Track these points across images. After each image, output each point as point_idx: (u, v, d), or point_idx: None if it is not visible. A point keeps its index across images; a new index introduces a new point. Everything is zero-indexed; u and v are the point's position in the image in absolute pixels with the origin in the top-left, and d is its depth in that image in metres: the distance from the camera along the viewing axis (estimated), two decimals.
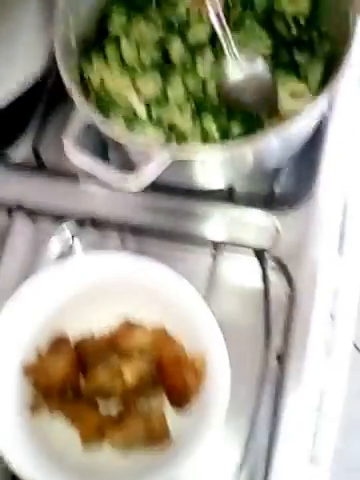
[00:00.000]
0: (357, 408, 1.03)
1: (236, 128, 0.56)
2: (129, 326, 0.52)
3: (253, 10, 0.59)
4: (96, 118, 0.53)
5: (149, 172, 0.51)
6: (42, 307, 0.52)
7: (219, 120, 0.56)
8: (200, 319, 0.50)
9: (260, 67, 0.57)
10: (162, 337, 0.51)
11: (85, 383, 0.51)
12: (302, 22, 0.59)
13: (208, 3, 0.53)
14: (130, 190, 0.53)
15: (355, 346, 1.14)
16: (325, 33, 0.58)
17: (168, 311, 0.51)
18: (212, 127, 0.56)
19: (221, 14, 0.54)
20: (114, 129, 0.53)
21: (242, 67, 0.56)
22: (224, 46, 0.55)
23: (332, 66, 0.56)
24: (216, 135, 0.56)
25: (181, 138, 0.57)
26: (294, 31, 0.59)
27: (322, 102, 0.52)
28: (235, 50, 0.55)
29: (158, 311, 0.52)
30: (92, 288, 0.52)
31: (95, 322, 0.53)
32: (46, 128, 0.65)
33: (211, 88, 0.58)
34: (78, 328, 0.53)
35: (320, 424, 0.60)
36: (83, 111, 0.53)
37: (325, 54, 0.58)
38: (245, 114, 0.56)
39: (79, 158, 0.52)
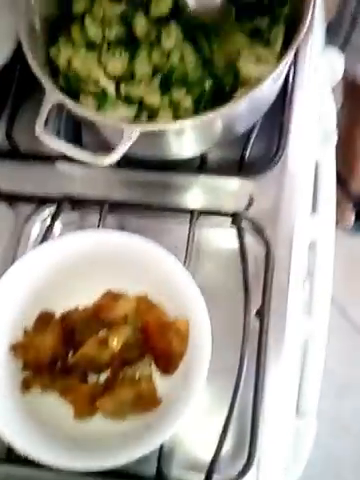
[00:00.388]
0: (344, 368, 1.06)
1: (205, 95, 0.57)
2: (112, 296, 0.54)
3: None
4: (65, 100, 0.54)
5: (119, 148, 0.52)
6: (28, 288, 0.53)
7: (190, 88, 0.57)
8: (181, 285, 0.52)
9: None
10: (145, 303, 0.53)
11: (73, 356, 0.52)
12: None
13: None
14: (103, 164, 0.54)
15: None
16: None
17: (150, 280, 0.53)
18: (181, 99, 0.57)
19: None
20: (83, 110, 0.54)
21: None
22: None
23: (294, 29, 0.57)
24: (187, 105, 0.57)
25: (151, 112, 0.58)
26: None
27: (284, 65, 0.53)
28: None
29: (140, 282, 0.53)
30: (75, 266, 0.53)
31: (80, 297, 0.54)
32: (18, 113, 0.66)
33: (177, 60, 0.59)
34: (64, 305, 0.54)
35: (304, 378, 0.63)
36: (51, 94, 0.54)
37: (286, 17, 0.59)
38: (214, 82, 0.57)
39: (51, 141, 0.53)
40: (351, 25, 0.88)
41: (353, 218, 1.17)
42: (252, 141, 0.62)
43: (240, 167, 0.62)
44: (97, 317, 0.53)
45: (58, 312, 0.55)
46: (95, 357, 0.51)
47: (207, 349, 0.48)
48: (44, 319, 0.54)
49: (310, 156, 0.64)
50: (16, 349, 0.53)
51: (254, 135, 0.62)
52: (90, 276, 0.53)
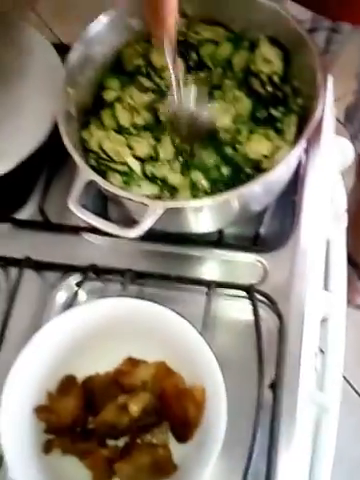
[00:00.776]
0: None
1: (222, 178, 0.62)
2: (132, 362, 0.56)
3: (232, 71, 0.67)
4: (96, 178, 0.59)
5: (145, 222, 0.57)
6: (53, 353, 0.56)
7: (207, 172, 0.62)
8: (199, 354, 0.54)
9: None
10: (163, 370, 0.55)
11: (94, 421, 0.55)
12: (276, 80, 0.66)
13: (170, 66, 0.59)
14: (129, 237, 0.58)
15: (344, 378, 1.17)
16: (298, 88, 0.65)
17: (168, 348, 0.56)
18: (200, 180, 0.62)
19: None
20: (113, 188, 0.59)
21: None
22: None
23: (306, 117, 0.63)
24: (205, 185, 0.62)
25: (173, 190, 0.63)
26: (269, 88, 0.65)
27: (297, 152, 0.58)
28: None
29: (159, 349, 0.56)
30: (97, 332, 0.56)
31: (102, 363, 0.57)
32: (50, 187, 0.72)
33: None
34: (86, 369, 0.57)
35: (316, 454, 0.64)
36: (83, 172, 0.59)
37: (299, 107, 0.64)
38: (231, 165, 0.62)
39: (83, 214, 0.58)
40: None
41: None
42: (267, 219, 0.66)
43: (255, 242, 0.66)
44: (117, 382, 0.56)
45: (80, 376, 0.57)
46: (114, 423, 0.53)
47: (223, 418, 0.50)
48: (67, 383, 0.57)
49: (322, 234, 0.68)
50: (39, 412, 0.55)
51: (269, 213, 0.66)
52: (112, 342, 0.56)
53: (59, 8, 1.75)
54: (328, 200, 0.72)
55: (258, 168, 0.62)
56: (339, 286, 0.71)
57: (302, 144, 0.59)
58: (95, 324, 0.56)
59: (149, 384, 0.54)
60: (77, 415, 0.55)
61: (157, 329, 0.56)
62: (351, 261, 0.87)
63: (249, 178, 0.61)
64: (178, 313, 0.56)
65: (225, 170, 0.62)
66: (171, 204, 0.58)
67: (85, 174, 0.60)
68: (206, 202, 0.58)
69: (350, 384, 1.13)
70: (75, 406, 0.55)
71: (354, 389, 1.14)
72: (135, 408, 0.52)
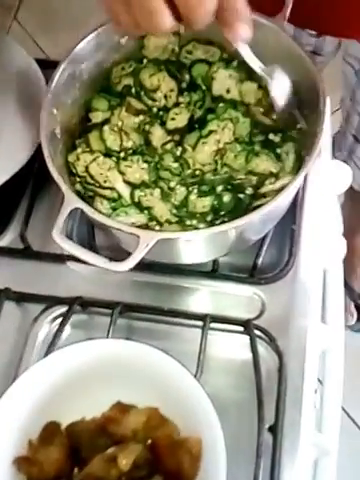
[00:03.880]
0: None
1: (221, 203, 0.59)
2: (121, 408, 0.52)
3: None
4: (82, 206, 0.55)
5: (135, 255, 0.53)
6: (34, 398, 0.51)
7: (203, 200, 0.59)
8: (194, 400, 0.50)
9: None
10: (155, 417, 0.51)
11: (79, 474, 0.50)
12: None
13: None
14: (118, 271, 0.54)
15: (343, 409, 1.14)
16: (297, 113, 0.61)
17: (161, 393, 0.51)
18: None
19: None
20: (101, 217, 0.55)
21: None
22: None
23: (306, 142, 0.60)
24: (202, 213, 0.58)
25: (164, 219, 0.59)
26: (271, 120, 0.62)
27: (299, 180, 0.55)
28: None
29: (151, 393, 0.52)
30: (83, 375, 0.52)
31: (88, 408, 0.52)
32: (32, 212, 0.67)
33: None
34: (71, 415, 0.52)
35: None
36: (69, 200, 0.55)
37: (298, 132, 0.61)
38: (234, 196, 0.59)
39: (68, 246, 0.54)
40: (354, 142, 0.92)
41: (355, 317, 1.17)
42: (264, 248, 0.63)
43: (252, 273, 0.63)
44: (105, 431, 0.51)
45: (65, 423, 0.53)
46: (102, 477, 0.48)
47: (222, 472, 0.46)
48: (50, 430, 0.52)
49: (320, 264, 0.65)
50: (20, 463, 0.50)
51: (267, 243, 0.63)
52: (99, 386, 0.52)
53: (43, 17, 1.70)
54: (326, 226, 0.69)
55: (258, 187, 0.58)
56: (337, 318, 0.68)
57: (302, 176, 0.55)
58: (81, 367, 0.52)
59: (140, 433, 0.50)
60: (61, 467, 0.50)
61: (148, 372, 0.52)
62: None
63: (249, 199, 0.58)
64: (170, 355, 0.52)
65: (226, 197, 0.58)
66: (164, 235, 0.54)
67: (71, 202, 0.55)
68: (202, 234, 0.54)
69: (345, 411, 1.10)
70: (59, 457, 0.50)
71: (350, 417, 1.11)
72: (125, 462, 0.48)
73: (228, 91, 0.62)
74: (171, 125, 0.62)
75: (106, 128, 0.62)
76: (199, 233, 0.55)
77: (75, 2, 1.64)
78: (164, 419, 0.51)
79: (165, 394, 0.51)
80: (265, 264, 0.63)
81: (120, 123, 0.62)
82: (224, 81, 0.62)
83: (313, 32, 0.79)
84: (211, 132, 0.60)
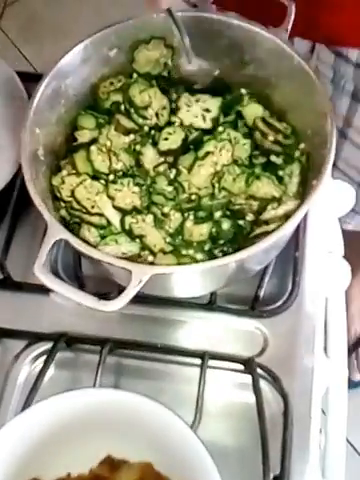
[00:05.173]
0: None
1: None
2: (112, 463, 0.47)
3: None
4: (68, 237, 0.50)
5: (127, 292, 0.48)
6: (15, 454, 0.46)
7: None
8: (191, 453, 0.45)
9: None
10: (150, 474, 0.46)
11: None
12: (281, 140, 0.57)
13: None
14: (107, 310, 0.49)
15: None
16: (302, 133, 0.57)
17: (154, 446, 0.46)
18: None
19: None
20: (89, 249, 0.50)
21: None
22: None
23: (308, 164, 0.55)
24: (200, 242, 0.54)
25: (158, 248, 0.54)
26: (271, 138, 0.57)
27: (307, 206, 0.50)
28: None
29: (143, 446, 0.47)
30: (69, 428, 0.47)
31: (73, 464, 0.47)
32: (13, 239, 0.62)
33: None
34: (55, 471, 0.47)
35: None
36: (53, 230, 0.50)
37: (301, 153, 0.57)
38: (233, 222, 0.54)
39: (51, 282, 0.48)
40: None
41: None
42: (266, 279, 0.58)
43: (253, 306, 0.58)
44: None
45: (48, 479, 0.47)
46: None
47: None
48: None
49: (323, 294, 0.60)
50: None
51: (269, 273, 0.58)
52: (86, 439, 0.47)
53: (28, 25, 1.64)
54: (329, 251, 0.65)
55: (259, 213, 0.54)
56: (340, 350, 0.63)
57: (310, 203, 0.50)
58: (65, 419, 0.47)
59: None
60: None
61: (140, 423, 0.46)
62: None
63: (250, 226, 0.53)
64: (164, 403, 0.47)
65: (225, 224, 0.54)
66: (159, 270, 0.49)
67: (54, 232, 0.50)
68: (200, 268, 0.49)
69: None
70: None
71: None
72: None
73: None
74: (164, 146, 0.57)
75: (93, 148, 0.57)
76: (197, 267, 0.50)
77: (61, 10, 1.58)
78: (159, 475, 0.46)
79: (159, 447, 0.46)
80: (267, 295, 0.59)
81: (109, 143, 0.58)
82: None
83: None
84: (208, 153, 0.56)
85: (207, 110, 0.58)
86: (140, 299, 0.57)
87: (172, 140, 0.57)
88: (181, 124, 0.58)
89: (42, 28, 1.59)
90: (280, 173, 0.56)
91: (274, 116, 0.58)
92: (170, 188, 0.56)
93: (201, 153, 0.56)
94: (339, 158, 0.83)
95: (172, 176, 0.57)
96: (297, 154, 0.56)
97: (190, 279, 0.53)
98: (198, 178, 0.56)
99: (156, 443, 0.46)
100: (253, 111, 0.57)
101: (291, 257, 0.60)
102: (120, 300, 0.47)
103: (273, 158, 0.56)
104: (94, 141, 0.58)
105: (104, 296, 0.49)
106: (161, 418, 0.46)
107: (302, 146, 0.57)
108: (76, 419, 0.47)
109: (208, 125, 0.57)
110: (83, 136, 0.58)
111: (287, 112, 0.58)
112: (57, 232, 0.50)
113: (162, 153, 0.57)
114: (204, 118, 0.58)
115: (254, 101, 0.58)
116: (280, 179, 0.56)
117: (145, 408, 0.46)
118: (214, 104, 0.58)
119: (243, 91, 0.58)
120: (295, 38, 0.71)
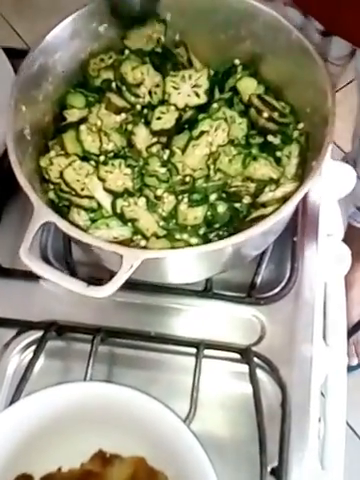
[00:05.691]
0: None
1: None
2: (103, 458, 0.45)
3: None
4: (56, 219, 0.47)
5: (118, 277, 0.45)
6: (4, 448, 0.44)
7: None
8: (184, 447, 0.43)
9: None
10: (143, 469, 0.45)
11: None
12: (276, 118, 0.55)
13: None
14: (97, 297, 0.47)
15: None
16: (299, 111, 0.54)
17: (147, 440, 0.45)
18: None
19: None
20: (79, 233, 0.47)
21: None
22: None
23: (308, 144, 0.53)
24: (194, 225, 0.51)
25: (150, 233, 0.52)
26: (266, 114, 0.54)
27: (307, 188, 0.48)
28: None
29: (136, 441, 0.45)
30: (60, 421, 0.45)
31: (64, 458, 0.45)
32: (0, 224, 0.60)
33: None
34: (46, 466, 0.45)
35: None
36: (40, 213, 0.47)
37: (300, 133, 0.54)
38: (229, 205, 0.52)
39: (38, 268, 0.46)
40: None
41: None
42: (263, 264, 0.56)
43: (250, 293, 0.56)
44: None
45: (38, 475, 0.46)
46: None
47: None
48: None
49: (322, 280, 0.58)
50: None
51: (266, 258, 0.56)
52: (77, 433, 0.45)
53: (21, 1, 1.60)
54: (329, 235, 0.63)
55: (256, 195, 0.52)
56: (339, 337, 0.61)
57: (309, 185, 0.48)
58: (56, 412, 0.45)
59: None
60: None
61: (132, 417, 0.45)
62: None
63: (247, 209, 0.51)
64: (156, 397, 0.44)
65: (220, 207, 0.51)
66: (151, 254, 0.47)
67: (41, 214, 0.48)
68: (194, 252, 0.47)
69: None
70: None
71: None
72: None
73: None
74: (157, 125, 0.54)
75: (83, 128, 0.55)
76: (191, 251, 0.47)
77: None
78: (152, 470, 0.45)
79: (152, 441, 0.44)
80: (264, 281, 0.57)
81: (99, 122, 0.55)
82: None
83: (320, 27, 0.67)
84: (203, 133, 0.53)
85: (197, 85, 0.55)
86: (133, 286, 0.55)
87: (165, 119, 0.54)
88: (176, 108, 0.55)
89: (35, 3, 1.54)
90: (278, 154, 0.53)
91: (271, 94, 0.56)
92: (163, 170, 0.54)
93: (196, 133, 0.53)
94: None
95: (165, 157, 0.54)
96: (296, 134, 0.54)
97: (184, 264, 0.51)
98: (192, 159, 0.53)
99: (148, 437, 0.45)
100: (248, 85, 0.55)
101: (289, 242, 0.58)
102: (111, 286, 0.45)
103: (270, 138, 0.54)
104: (84, 120, 0.55)
105: (96, 283, 0.47)
106: (153, 412, 0.44)
107: (301, 126, 0.54)
108: (66, 413, 0.45)
109: (203, 99, 0.55)
110: (72, 115, 0.56)
111: (285, 89, 0.55)
112: (44, 215, 0.48)
113: (155, 133, 0.55)
114: (197, 94, 0.55)
115: (248, 75, 0.55)
116: (278, 160, 0.53)
117: (136, 402, 0.44)
118: (202, 77, 0.55)
119: (236, 61, 0.56)
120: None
